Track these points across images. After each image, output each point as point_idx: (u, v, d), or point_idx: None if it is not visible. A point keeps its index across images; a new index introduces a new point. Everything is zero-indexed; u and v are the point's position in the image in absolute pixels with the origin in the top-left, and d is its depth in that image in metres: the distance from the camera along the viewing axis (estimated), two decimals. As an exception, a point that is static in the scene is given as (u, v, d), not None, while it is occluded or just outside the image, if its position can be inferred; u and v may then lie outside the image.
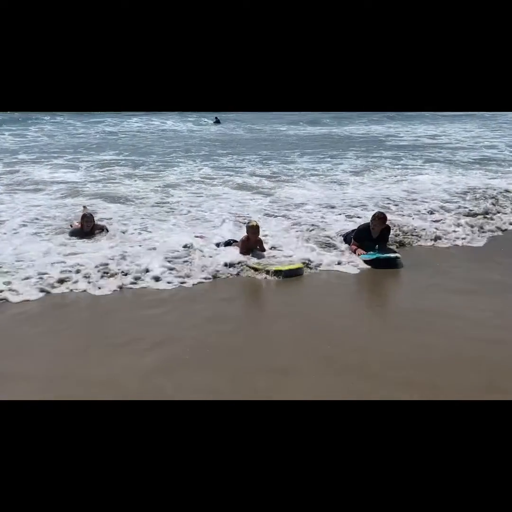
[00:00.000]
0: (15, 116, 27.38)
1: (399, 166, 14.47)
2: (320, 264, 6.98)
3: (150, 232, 8.22)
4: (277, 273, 6.57)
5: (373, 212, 7.90)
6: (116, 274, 6.43)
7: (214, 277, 6.58)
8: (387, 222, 7.51)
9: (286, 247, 7.55)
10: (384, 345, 4.82)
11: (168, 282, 6.33)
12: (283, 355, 4.65)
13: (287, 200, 10.39)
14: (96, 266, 6.54)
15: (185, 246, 7.27)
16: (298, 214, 9.26)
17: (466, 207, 9.73)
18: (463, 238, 8.27)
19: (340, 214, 9.28)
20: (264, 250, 7.32)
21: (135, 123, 27.67)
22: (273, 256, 7.22)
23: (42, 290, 5.98)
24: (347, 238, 7.70)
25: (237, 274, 6.71)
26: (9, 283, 6.05)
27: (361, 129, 25.25)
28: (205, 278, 6.50)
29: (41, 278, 6.21)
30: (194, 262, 6.83)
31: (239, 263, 6.85)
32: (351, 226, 8.22)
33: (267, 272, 6.62)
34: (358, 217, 9.01)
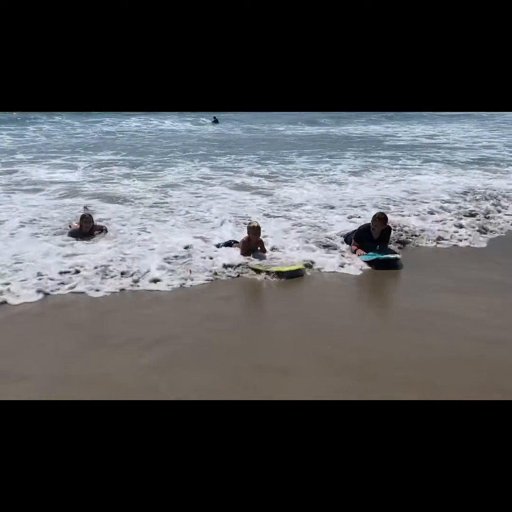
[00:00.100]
0: (13, 115, 27.33)
1: (398, 166, 14.49)
2: (321, 265, 6.93)
3: (149, 232, 8.21)
4: (278, 274, 6.53)
5: (373, 212, 7.89)
6: (115, 275, 6.42)
7: (214, 278, 6.55)
8: (388, 223, 7.50)
9: (286, 248, 7.51)
10: (384, 345, 4.83)
11: (168, 284, 6.30)
12: (283, 355, 4.65)
13: (286, 200, 10.40)
14: (96, 267, 6.54)
15: (185, 247, 7.26)
16: (298, 215, 9.26)
17: (466, 208, 9.72)
18: (464, 239, 8.25)
19: (340, 214, 9.29)
20: (265, 251, 7.26)
21: (133, 123, 27.65)
22: (274, 257, 7.17)
23: (41, 291, 5.96)
24: (347, 238, 7.69)
25: (238, 275, 6.67)
26: (8, 284, 6.04)
27: (359, 129, 25.27)
28: (205, 279, 6.47)
29: (40, 279, 6.19)
30: (194, 263, 6.81)
31: (239, 264, 6.81)
32: (352, 226, 8.22)
33: (268, 273, 6.59)
34: (359, 217, 9.01)
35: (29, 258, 6.84)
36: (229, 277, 6.62)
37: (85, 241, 7.69)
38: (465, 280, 6.52)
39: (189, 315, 5.55)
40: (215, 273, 6.62)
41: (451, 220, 8.99)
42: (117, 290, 6.13)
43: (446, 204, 9.90)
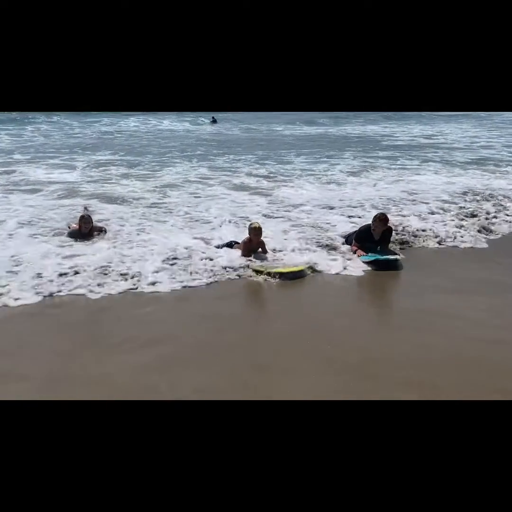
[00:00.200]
0: (12, 115, 27.31)
1: (397, 166, 14.49)
2: (324, 268, 6.87)
3: (148, 233, 8.19)
4: (280, 275, 6.48)
5: (373, 213, 7.88)
6: (115, 277, 6.39)
7: (214, 279, 6.50)
8: (389, 224, 7.48)
9: (287, 248, 7.46)
10: (384, 345, 4.83)
11: (168, 285, 6.27)
12: (283, 355, 4.64)
13: (285, 200, 10.38)
14: (95, 268, 6.52)
15: (185, 248, 7.24)
16: (297, 215, 9.25)
17: (467, 208, 9.72)
18: (465, 240, 8.23)
19: (339, 215, 9.27)
20: (266, 252, 7.20)
21: (131, 123, 27.66)
22: (275, 258, 7.13)
23: (40, 292, 5.94)
24: (348, 239, 7.66)
25: (239, 276, 6.62)
26: (7, 285, 6.02)
27: (357, 129, 25.30)
28: (205, 280, 6.43)
29: (39, 280, 6.18)
30: (193, 264, 6.78)
31: (240, 265, 6.75)
32: (352, 227, 8.20)
33: (269, 274, 6.52)
34: (359, 217, 9.01)
35: (28, 259, 6.82)
36: (230, 278, 6.57)
37: (84, 242, 7.67)
38: (465, 280, 6.53)
39: (188, 315, 5.55)
40: (215, 274, 6.58)
41: (452, 221, 8.98)
42: (117, 292, 6.10)
43: (446, 205, 9.90)
